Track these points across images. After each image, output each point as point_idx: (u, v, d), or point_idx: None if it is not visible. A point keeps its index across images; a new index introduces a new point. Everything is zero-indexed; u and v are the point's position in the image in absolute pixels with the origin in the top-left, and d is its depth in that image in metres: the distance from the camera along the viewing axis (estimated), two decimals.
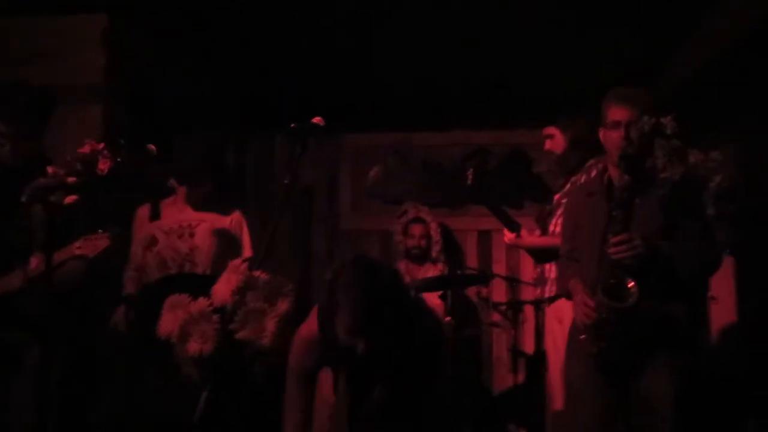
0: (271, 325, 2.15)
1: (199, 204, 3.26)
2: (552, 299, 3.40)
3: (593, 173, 2.85)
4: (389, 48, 4.40)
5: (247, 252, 3.29)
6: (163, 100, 4.32)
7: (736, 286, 4.14)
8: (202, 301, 2.19)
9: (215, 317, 2.17)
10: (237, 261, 2.30)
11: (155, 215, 3.24)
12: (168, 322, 2.19)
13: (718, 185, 2.30)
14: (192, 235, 3.16)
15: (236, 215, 3.35)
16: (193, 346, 2.15)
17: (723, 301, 4.10)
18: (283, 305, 2.19)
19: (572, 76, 4.49)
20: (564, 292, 2.74)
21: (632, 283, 2.34)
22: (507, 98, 4.93)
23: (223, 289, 2.19)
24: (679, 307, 2.46)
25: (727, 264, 3.97)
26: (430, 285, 4.22)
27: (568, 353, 2.67)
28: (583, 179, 3.25)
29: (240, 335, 2.16)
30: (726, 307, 4.13)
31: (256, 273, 2.21)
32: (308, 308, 2.34)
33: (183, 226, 3.19)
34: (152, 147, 2.72)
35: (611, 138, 2.56)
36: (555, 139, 3.56)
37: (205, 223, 3.22)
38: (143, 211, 3.30)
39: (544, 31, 4.15)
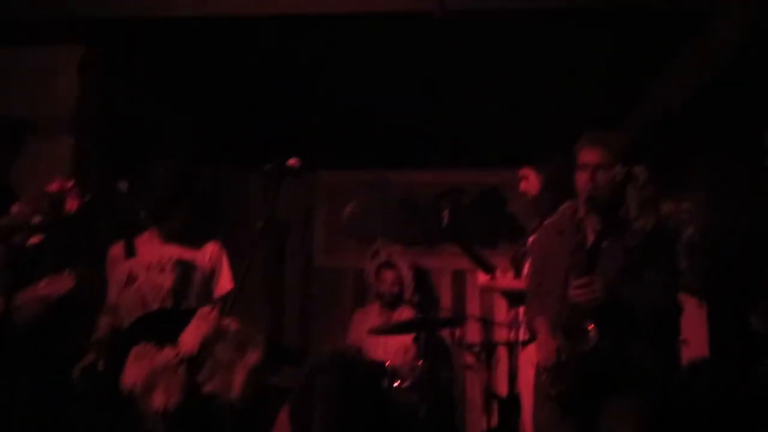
0: (239, 377, 2.10)
1: (174, 237, 3.18)
2: (525, 343, 3.38)
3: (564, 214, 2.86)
4: (366, 86, 4.42)
5: (225, 284, 3.19)
6: (136, 134, 4.27)
7: (708, 332, 4.16)
8: (168, 352, 2.13)
9: (182, 369, 2.10)
10: (206, 309, 2.24)
11: (130, 252, 3.15)
12: (132, 374, 2.12)
13: (691, 237, 2.32)
14: (173, 269, 3.08)
15: (214, 247, 3.24)
16: (158, 399, 2.08)
17: (695, 345, 4.11)
18: (252, 356, 2.14)
19: (549, 118, 4.53)
20: (530, 331, 2.73)
21: (592, 326, 2.33)
22: (483, 137, 4.96)
23: (191, 338, 2.13)
24: (643, 350, 2.45)
25: (700, 310, 3.99)
26: (404, 327, 4.18)
27: (536, 395, 2.65)
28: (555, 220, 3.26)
29: (207, 388, 2.10)
30: (698, 351, 4.14)
31: (226, 321, 2.16)
32: (280, 348, 2.28)
33: (164, 261, 3.09)
34: (123, 184, 2.67)
35: (581, 180, 2.58)
36: (530, 180, 3.58)
37: (186, 256, 3.14)
38: (116, 250, 3.20)
39: (521, 73, 4.20)
